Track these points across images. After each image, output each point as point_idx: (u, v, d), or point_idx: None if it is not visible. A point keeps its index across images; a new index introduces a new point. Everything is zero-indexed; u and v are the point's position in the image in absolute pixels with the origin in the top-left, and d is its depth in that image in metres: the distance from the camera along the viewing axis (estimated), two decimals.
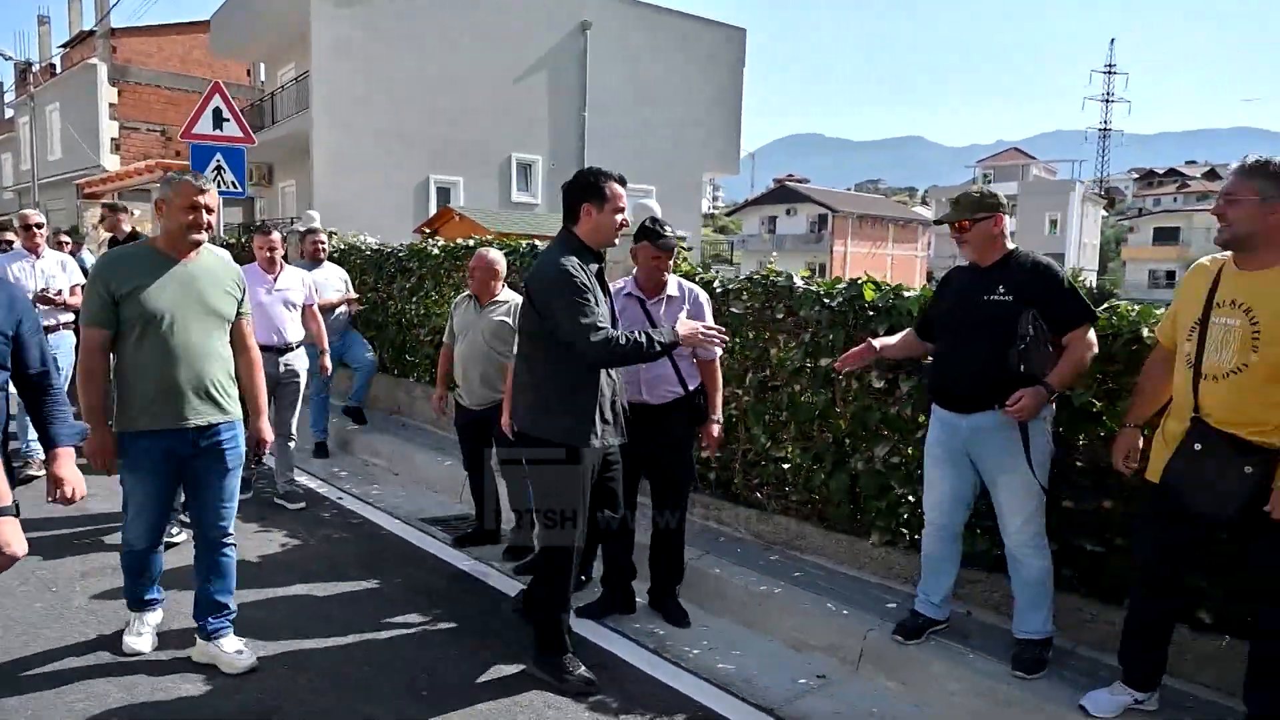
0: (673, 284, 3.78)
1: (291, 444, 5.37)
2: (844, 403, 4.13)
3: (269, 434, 3.46)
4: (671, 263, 3.75)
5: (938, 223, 3.36)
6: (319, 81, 18.35)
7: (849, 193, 67.38)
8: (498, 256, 4.67)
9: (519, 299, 4.69)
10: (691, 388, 3.75)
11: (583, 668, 3.20)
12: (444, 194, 19.96)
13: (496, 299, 4.62)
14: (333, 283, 6.53)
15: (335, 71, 18.35)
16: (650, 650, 3.57)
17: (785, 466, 4.41)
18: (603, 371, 3.12)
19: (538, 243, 6.44)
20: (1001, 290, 3.09)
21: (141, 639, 3.31)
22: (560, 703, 3.12)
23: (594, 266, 3.09)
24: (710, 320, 3.69)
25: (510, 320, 4.54)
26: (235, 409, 3.20)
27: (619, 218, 3.10)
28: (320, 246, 6.61)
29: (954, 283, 3.33)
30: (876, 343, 3.45)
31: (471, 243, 6.85)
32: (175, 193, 3.03)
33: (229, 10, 22.23)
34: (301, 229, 7.33)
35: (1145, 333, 3.17)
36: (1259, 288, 2.51)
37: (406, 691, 3.15)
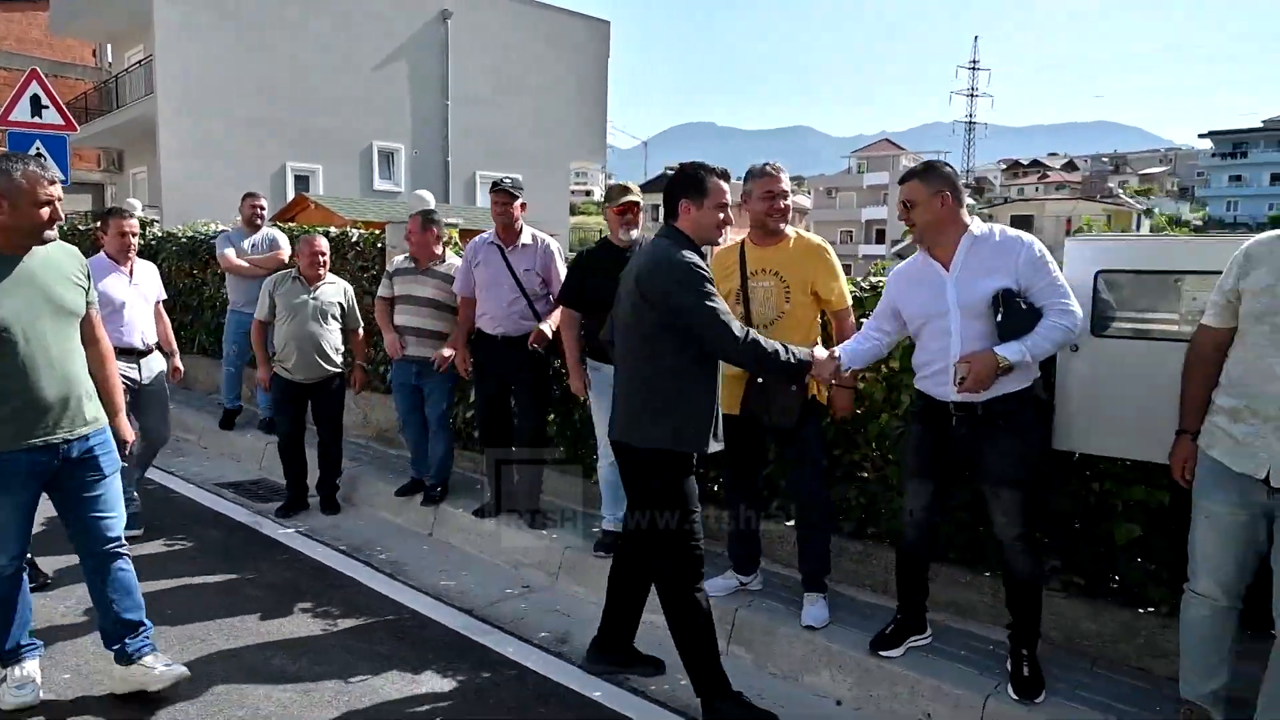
0: (527, 234, 4.47)
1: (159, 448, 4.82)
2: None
3: (130, 433, 3.16)
4: (515, 208, 4.38)
5: (612, 205, 3.99)
6: (164, 65, 17.97)
7: (734, 182, 69.26)
8: (324, 241, 5.12)
9: (344, 282, 5.21)
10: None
11: (756, 706, 2.97)
12: (303, 181, 19.89)
13: (324, 280, 5.08)
14: (267, 244, 6.53)
15: (182, 55, 18.01)
16: (386, 575, 4.23)
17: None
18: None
19: (352, 229, 6.89)
20: None
21: (24, 691, 2.88)
22: (301, 622, 3.73)
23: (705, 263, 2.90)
24: (560, 266, 4.40)
25: (341, 300, 5.08)
26: (102, 413, 2.94)
27: (721, 215, 2.89)
28: (258, 211, 6.57)
29: (600, 260, 3.98)
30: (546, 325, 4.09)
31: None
32: (21, 186, 2.64)
33: None
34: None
35: None
36: (780, 257, 3.39)
37: (157, 615, 3.68)
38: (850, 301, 3.53)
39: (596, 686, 3.20)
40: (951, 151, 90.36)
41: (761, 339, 2.82)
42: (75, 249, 2.96)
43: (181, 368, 5.00)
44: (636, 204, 3.95)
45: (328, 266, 5.11)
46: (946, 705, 2.97)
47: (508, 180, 4.44)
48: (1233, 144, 76.15)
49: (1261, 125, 75.38)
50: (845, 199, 69.87)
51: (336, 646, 3.44)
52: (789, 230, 3.51)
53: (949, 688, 2.99)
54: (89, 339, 2.98)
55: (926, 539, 3.14)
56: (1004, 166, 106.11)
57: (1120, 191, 72.27)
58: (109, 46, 24.18)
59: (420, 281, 4.78)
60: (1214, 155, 78.47)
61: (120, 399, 3.13)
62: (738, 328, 2.78)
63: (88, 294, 2.94)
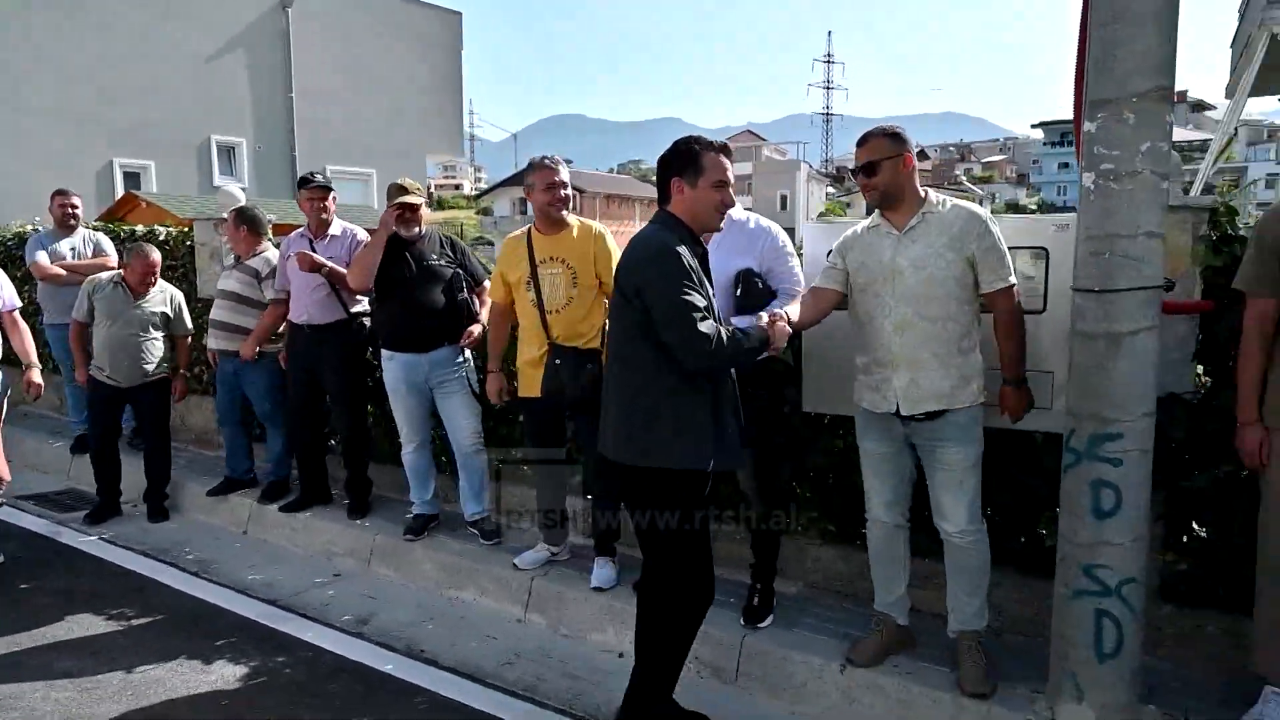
0: (337, 227, 4.49)
1: None
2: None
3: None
4: (328, 203, 4.44)
5: (390, 203, 4.08)
6: None
7: (598, 173, 69.71)
8: (157, 254, 4.94)
9: (173, 289, 5.07)
10: (354, 310, 4.46)
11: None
12: (133, 179, 18.67)
13: (153, 289, 4.92)
14: (91, 249, 6.05)
15: None
16: (191, 574, 4.21)
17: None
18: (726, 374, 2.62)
19: (160, 227, 6.64)
20: (434, 256, 4.05)
21: None
22: (91, 623, 3.67)
23: (700, 252, 2.61)
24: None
25: (166, 309, 4.94)
26: None
27: (720, 195, 2.58)
28: (69, 210, 5.96)
29: (388, 251, 4.04)
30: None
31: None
32: None
33: None
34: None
35: None
36: (565, 244, 3.61)
37: None
38: None
39: (388, 660, 3.34)
40: (811, 143, 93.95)
41: (725, 336, 2.46)
42: None
43: (39, 380, 4.36)
44: (411, 205, 4.03)
45: (158, 281, 4.99)
46: (710, 645, 3.27)
47: (319, 176, 4.48)
48: (1060, 133, 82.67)
49: None
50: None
51: (128, 645, 3.43)
52: (571, 219, 3.71)
53: (713, 630, 3.27)
54: None
55: None
56: None
57: (964, 178, 77.25)
58: None
59: (229, 275, 4.79)
60: (1045, 144, 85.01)
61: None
62: (708, 326, 2.41)
63: None
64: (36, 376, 4.38)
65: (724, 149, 2.62)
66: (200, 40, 19.58)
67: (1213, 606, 2.96)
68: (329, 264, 4.31)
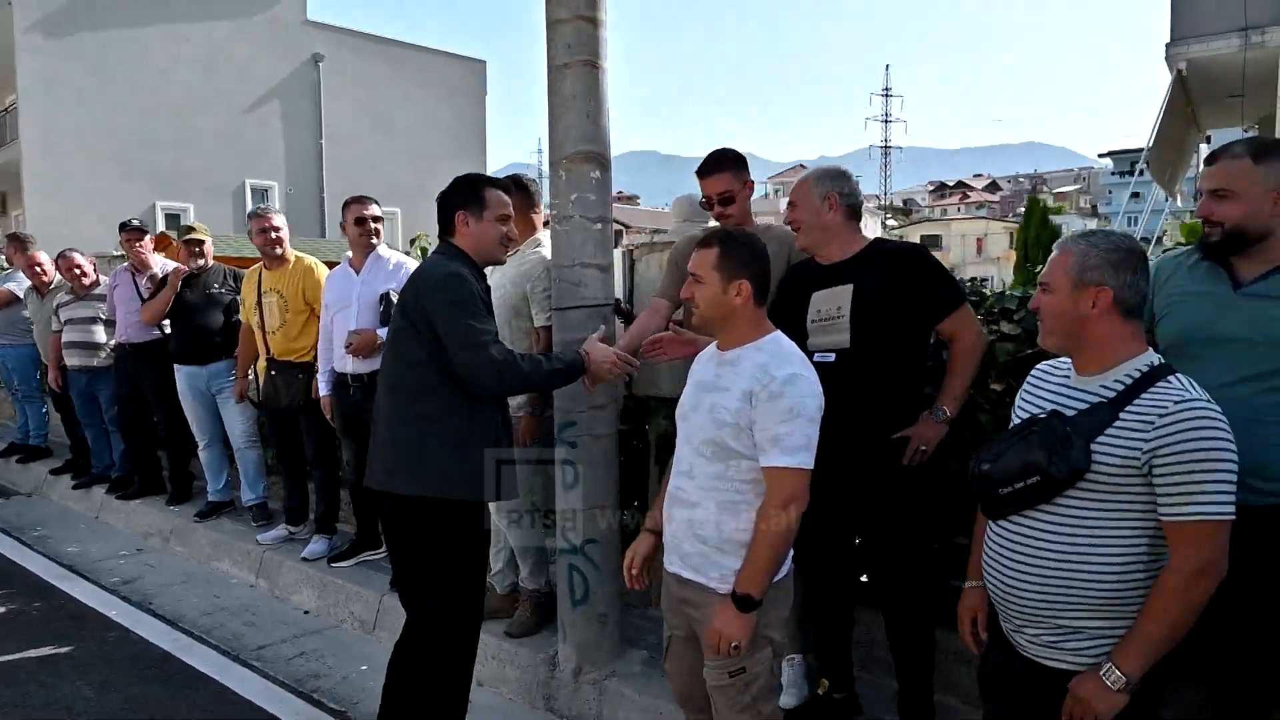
0: (156, 264, 5.33)
1: None
2: None
3: None
4: (145, 242, 5.28)
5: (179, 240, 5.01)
6: (26, 112, 18.65)
7: (648, 210, 71.13)
8: (43, 255, 6.10)
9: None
10: (168, 331, 5.18)
11: None
12: (173, 219, 20.47)
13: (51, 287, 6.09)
14: None
15: (45, 102, 18.71)
16: (25, 544, 5.13)
17: None
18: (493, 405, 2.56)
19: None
20: (216, 286, 4.94)
21: None
22: None
23: (485, 285, 2.62)
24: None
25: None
26: None
27: (504, 228, 2.65)
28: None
29: (185, 282, 4.98)
30: None
31: None
32: None
33: None
34: None
35: None
36: (282, 278, 4.43)
37: None
38: None
39: (116, 607, 4.16)
40: (871, 175, 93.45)
41: (520, 357, 2.48)
42: None
43: None
44: (196, 241, 4.95)
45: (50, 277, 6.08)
46: (360, 603, 3.99)
47: (135, 221, 5.42)
48: (1130, 162, 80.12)
49: None
50: (763, 223, 71.87)
51: None
52: (291, 256, 4.54)
53: (363, 591, 4.02)
54: None
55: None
56: (931, 188, 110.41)
57: None
58: None
59: (78, 305, 5.73)
60: (1114, 174, 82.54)
61: None
62: (497, 350, 2.41)
63: None
64: None
65: (507, 187, 2.76)
66: (239, 93, 21.51)
67: None
68: (157, 269, 5.19)
